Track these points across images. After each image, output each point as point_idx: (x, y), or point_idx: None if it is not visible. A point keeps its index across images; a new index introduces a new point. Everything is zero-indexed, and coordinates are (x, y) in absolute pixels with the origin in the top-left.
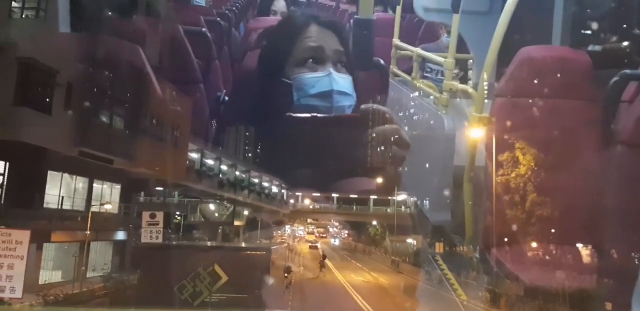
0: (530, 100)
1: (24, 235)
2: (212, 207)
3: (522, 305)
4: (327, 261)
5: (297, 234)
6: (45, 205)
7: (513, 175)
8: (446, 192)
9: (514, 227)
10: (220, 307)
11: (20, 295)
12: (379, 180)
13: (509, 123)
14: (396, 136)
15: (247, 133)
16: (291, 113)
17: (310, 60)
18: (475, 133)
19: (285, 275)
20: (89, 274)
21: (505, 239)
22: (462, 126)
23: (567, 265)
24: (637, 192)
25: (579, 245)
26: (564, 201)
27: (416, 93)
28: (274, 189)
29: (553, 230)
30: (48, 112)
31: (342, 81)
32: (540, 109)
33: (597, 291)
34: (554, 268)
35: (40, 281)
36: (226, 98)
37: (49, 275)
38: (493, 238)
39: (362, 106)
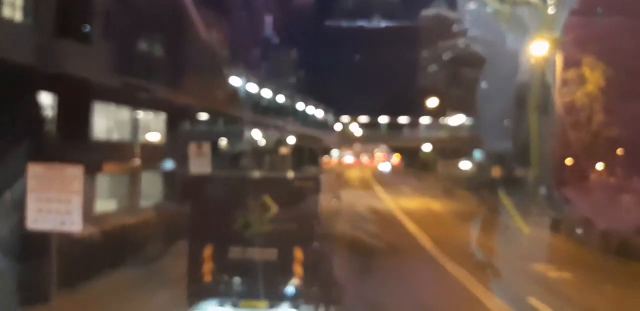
0: (606, 16)
1: (78, 170)
2: (258, 134)
3: (582, 229)
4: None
5: (344, 160)
6: (94, 137)
7: (579, 93)
8: (506, 115)
9: (578, 150)
10: (271, 236)
11: (80, 227)
12: (435, 101)
13: (577, 37)
14: (467, 53)
15: (291, 56)
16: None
17: None
18: (539, 50)
19: (334, 200)
20: (142, 203)
21: (569, 162)
22: (525, 42)
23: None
24: None
25: None
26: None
27: (473, 5)
28: (321, 114)
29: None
30: (89, 42)
31: None
32: (615, 25)
33: None
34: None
35: (96, 211)
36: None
37: (103, 205)
38: (555, 163)
39: (423, 12)
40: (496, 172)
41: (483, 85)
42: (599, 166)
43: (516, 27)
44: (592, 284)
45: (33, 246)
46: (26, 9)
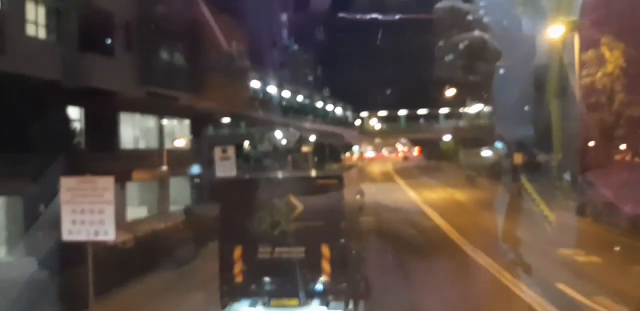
0: None
1: (109, 181)
2: (279, 134)
3: (608, 213)
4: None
5: (365, 155)
6: (122, 146)
7: (599, 74)
8: (525, 100)
9: (601, 132)
10: (298, 235)
11: (113, 236)
12: (452, 92)
13: (595, 18)
14: (482, 41)
15: (308, 55)
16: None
17: None
18: (556, 33)
19: (358, 197)
20: (171, 208)
21: (591, 145)
22: (541, 25)
23: None
24: None
25: None
26: None
27: None
28: (340, 111)
29: None
30: (111, 54)
31: None
32: (633, 3)
33: None
34: None
35: (128, 219)
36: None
37: (134, 212)
38: (577, 147)
39: (438, 4)
40: (518, 158)
41: (500, 71)
42: (622, 146)
43: (531, 11)
44: (621, 267)
45: (70, 256)
46: (49, 27)
